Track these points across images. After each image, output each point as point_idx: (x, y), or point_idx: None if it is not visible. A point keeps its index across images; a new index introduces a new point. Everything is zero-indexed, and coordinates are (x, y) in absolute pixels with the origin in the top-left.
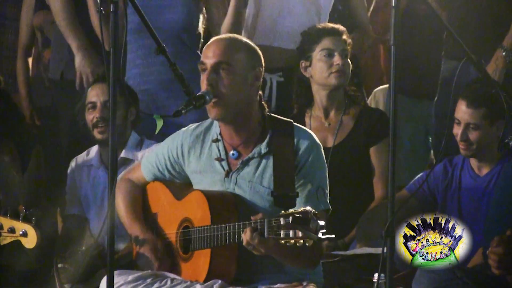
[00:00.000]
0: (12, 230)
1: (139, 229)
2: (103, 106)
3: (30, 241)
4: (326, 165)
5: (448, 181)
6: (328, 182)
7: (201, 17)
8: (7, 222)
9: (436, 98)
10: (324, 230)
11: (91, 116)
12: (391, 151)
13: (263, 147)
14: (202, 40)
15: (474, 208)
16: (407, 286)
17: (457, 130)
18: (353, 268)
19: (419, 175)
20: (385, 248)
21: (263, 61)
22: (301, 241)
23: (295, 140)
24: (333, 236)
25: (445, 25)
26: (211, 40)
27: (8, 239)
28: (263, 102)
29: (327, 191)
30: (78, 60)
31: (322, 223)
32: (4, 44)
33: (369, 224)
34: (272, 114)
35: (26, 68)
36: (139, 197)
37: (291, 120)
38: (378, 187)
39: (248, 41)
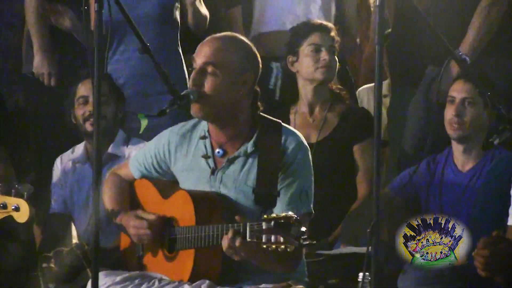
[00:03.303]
0: (4, 206)
1: (123, 215)
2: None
3: (22, 215)
4: (312, 169)
5: (430, 177)
6: (313, 186)
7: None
8: None
9: (411, 101)
10: (306, 236)
11: (82, 111)
12: (376, 150)
13: (249, 146)
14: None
15: (455, 204)
16: (393, 284)
17: (451, 109)
18: (338, 267)
19: (402, 173)
20: (370, 247)
21: (260, 64)
22: (282, 246)
23: (283, 140)
24: (314, 242)
25: (431, 29)
26: (207, 38)
27: (0, 215)
28: (258, 103)
29: (311, 195)
30: (37, 60)
31: (303, 229)
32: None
33: (353, 224)
34: (262, 114)
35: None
36: (126, 190)
37: (280, 121)
38: (361, 186)
39: (247, 42)
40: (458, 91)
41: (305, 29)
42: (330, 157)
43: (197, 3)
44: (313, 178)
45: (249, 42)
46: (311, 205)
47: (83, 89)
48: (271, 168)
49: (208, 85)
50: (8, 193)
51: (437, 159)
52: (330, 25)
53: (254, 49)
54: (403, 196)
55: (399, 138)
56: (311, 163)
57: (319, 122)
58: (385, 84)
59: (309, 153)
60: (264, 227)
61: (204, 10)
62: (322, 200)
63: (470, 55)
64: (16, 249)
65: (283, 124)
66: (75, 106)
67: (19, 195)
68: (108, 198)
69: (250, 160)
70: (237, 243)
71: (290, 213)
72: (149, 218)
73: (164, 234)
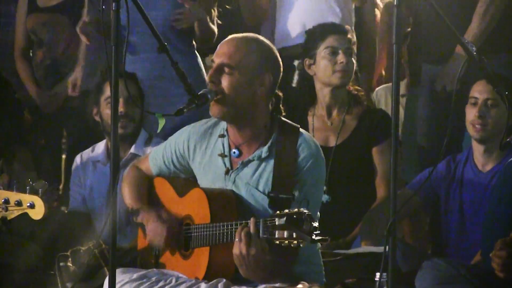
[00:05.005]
0: (19, 203)
1: (143, 209)
2: (125, 101)
3: (37, 213)
4: (322, 181)
5: (450, 177)
6: (317, 198)
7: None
8: (14, 196)
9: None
10: (318, 232)
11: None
12: (393, 151)
13: (264, 151)
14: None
15: (476, 205)
16: (410, 283)
17: (473, 110)
18: (355, 267)
19: (421, 173)
20: (387, 247)
21: (280, 67)
22: (295, 241)
23: (297, 146)
24: (327, 238)
25: (449, 26)
26: (227, 37)
27: (15, 212)
28: (281, 107)
29: (314, 205)
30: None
31: (316, 224)
32: (1, 43)
33: (372, 223)
34: (282, 118)
35: (27, 66)
36: (146, 186)
37: (299, 126)
38: (380, 188)
39: (268, 44)
40: (480, 92)
41: (321, 31)
42: (349, 160)
43: (206, 19)
44: (322, 188)
45: (270, 44)
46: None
47: None
48: (286, 172)
49: (224, 83)
50: (23, 190)
51: (457, 158)
52: (347, 26)
53: (275, 51)
54: (422, 195)
55: (415, 138)
56: (323, 174)
57: (337, 125)
58: (403, 84)
59: (322, 163)
60: (277, 223)
61: (212, 28)
62: (342, 202)
63: (474, 43)
64: (34, 248)
65: (301, 130)
66: (100, 104)
67: (34, 192)
68: (127, 194)
69: (263, 164)
70: (251, 239)
71: (302, 209)
72: (169, 223)
73: (180, 233)
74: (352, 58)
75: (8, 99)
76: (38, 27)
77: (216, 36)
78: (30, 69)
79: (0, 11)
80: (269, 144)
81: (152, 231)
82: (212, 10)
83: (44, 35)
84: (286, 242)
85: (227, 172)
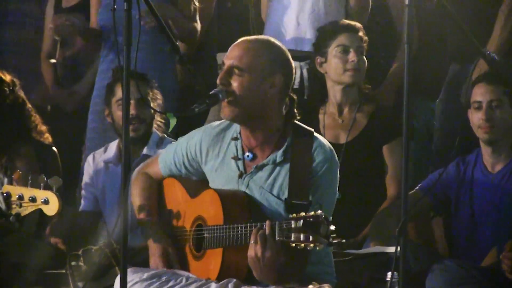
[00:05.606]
0: (33, 199)
1: (152, 229)
2: (136, 103)
3: (51, 208)
4: (336, 186)
5: (460, 179)
6: (330, 202)
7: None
8: (28, 192)
9: (438, 100)
10: (335, 235)
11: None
12: (405, 150)
13: (278, 155)
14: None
15: (486, 206)
16: (421, 285)
17: (478, 114)
18: (366, 267)
19: (432, 174)
20: (398, 247)
21: (292, 70)
22: (312, 245)
23: (313, 150)
24: (344, 241)
25: (460, 27)
26: (239, 39)
27: (29, 209)
28: (295, 110)
29: (327, 209)
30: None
31: (332, 227)
32: (24, 42)
33: (382, 223)
34: (295, 122)
35: (51, 68)
36: (155, 192)
37: (312, 130)
38: (390, 186)
39: (280, 46)
40: (482, 94)
41: (333, 29)
42: (359, 158)
43: (179, 19)
44: (335, 193)
45: (282, 47)
46: None
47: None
48: (302, 178)
49: (235, 84)
50: (37, 186)
51: (466, 160)
52: (358, 25)
53: (287, 54)
54: (432, 196)
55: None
56: (336, 178)
57: (348, 122)
58: None
59: (336, 167)
60: (293, 226)
61: (187, 24)
62: (352, 200)
63: (497, 53)
64: (46, 247)
65: (315, 133)
66: (112, 105)
67: (48, 188)
68: (136, 198)
69: (277, 169)
70: (267, 242)
71: (319, 211)
72: (169, 263)
73: (191, 233)
74: (364, 57)
75: (8, 96)
76: (59, 28)
77: (198, 32)
78: (53, 70)
79: (7, 10)
80: (284, 148)
81: (155, 264)
82: (192, 5)
83: (64, 35)
84: (302, 245)
85: (240, 176)
